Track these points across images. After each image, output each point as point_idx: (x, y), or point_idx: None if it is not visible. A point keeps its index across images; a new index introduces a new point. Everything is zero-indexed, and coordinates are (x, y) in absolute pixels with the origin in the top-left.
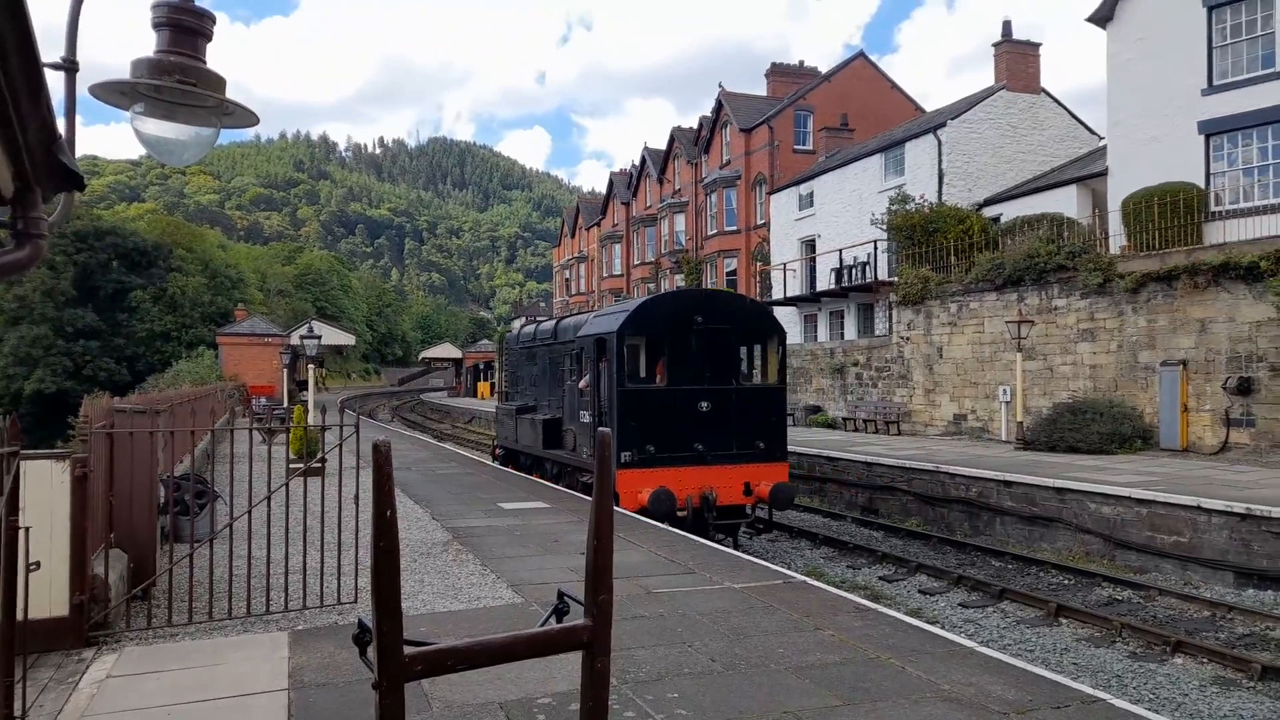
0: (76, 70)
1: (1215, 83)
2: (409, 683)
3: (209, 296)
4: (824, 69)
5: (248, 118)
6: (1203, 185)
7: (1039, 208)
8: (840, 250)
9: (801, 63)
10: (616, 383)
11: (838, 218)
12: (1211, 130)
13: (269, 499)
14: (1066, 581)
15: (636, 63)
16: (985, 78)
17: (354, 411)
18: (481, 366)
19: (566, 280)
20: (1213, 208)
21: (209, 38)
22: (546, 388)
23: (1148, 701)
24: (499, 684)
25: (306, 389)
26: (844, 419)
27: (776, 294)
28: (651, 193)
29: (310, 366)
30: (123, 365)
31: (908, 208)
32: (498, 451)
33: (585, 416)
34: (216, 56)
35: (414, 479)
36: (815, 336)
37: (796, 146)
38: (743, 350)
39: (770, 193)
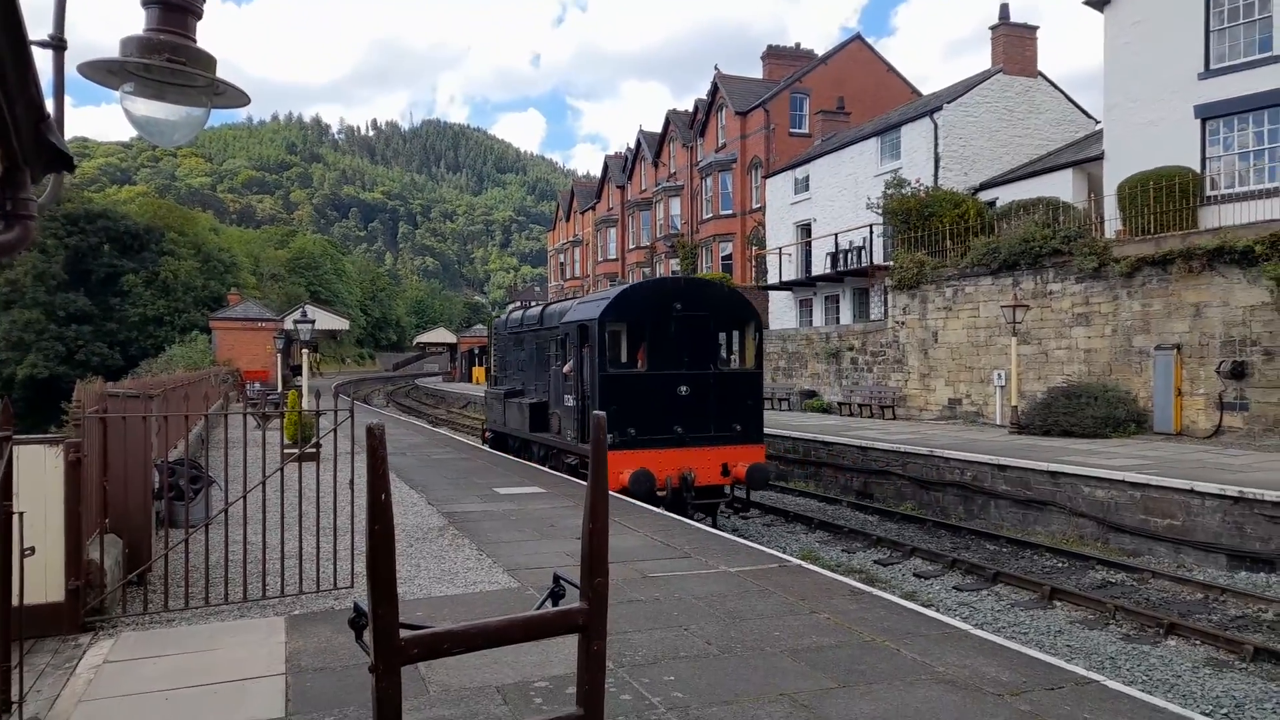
0: (64, 48)
1: (1212, 66)
2: (406, 666)
3: (202, 280)
4: (820, 52)
5: (239, 98)
6: (1198, 169)
7: (1035, 192)
8: (836, 234)
9: (798, 45)
10: (599, 367)
11: (833, 201)
12: (1208, 114)
13: (264, 484)
14: (1060, 565)
15: (632, 44)
16: (982, 61)
17: (348, 396)
18: (476, 351)
19: (561, 264)
20: (1208, 192)
21: (199, 16)
22: (533, 372)
23: (1141, 683)
24: (496, 667)
25: (300, 374)
26: (839, 404)
27: (772, 278)
28: (646, 176)
29: (304, 351)
30: (115, 350)
31: (903, 192)
32: (487, 434)
33: (569, 400)
34: (207, 35)
35: (409, 464)
36: (810, 321)
37: (792, 130)
38: (721, 336)
39: (766, 176)
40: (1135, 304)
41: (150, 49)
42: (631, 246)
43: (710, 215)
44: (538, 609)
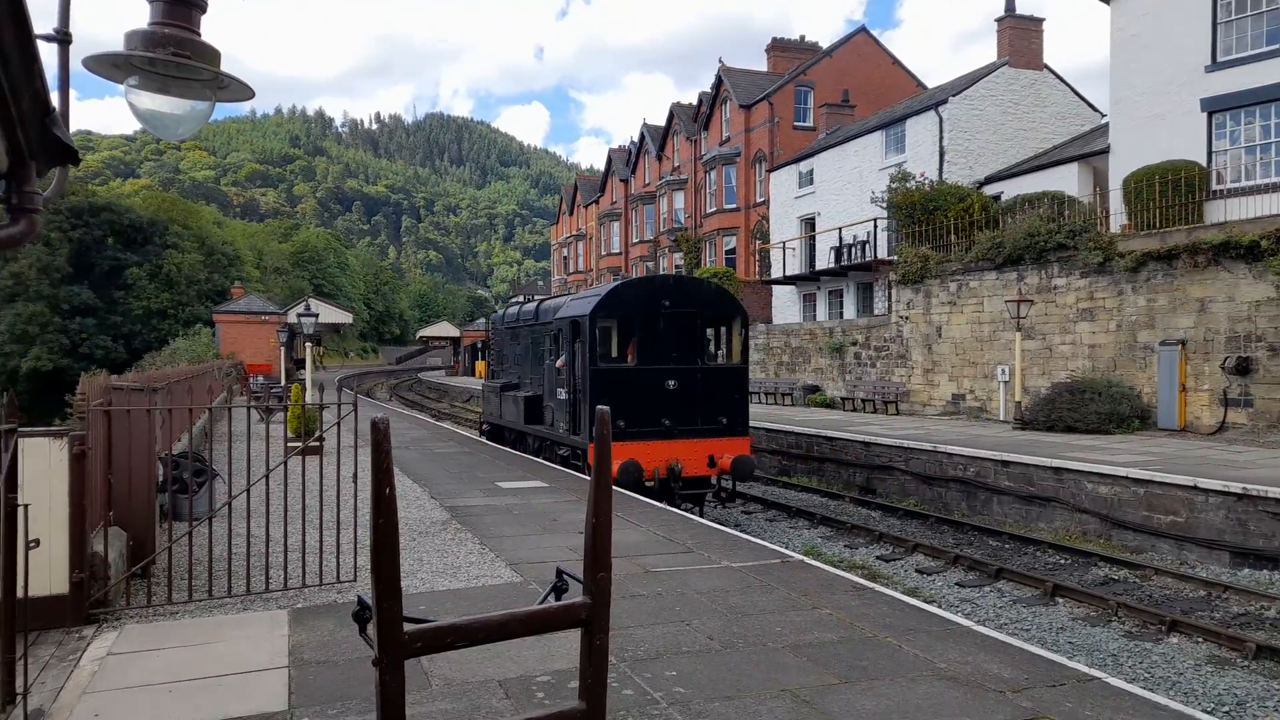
0: (69, 42)
1: (1219, 59)
2: (409, 660)
3: (205, 274)
4: (825, 44)
5: (243, 91)
6: (1205, 163)
7: (1040, 186)
8: (840, 229)
9: (803, 38)
10: (589, 362)
11: (838, 196)
12: (1214, 108)
13: (267, 477)
14: (1063, 561)
15: (636, 37)
16: (988, 53)
17: (352, 390)
18: (479, 345)
19: (565, 258)
20: (1214, 186)
21: (203, 9)
22: (529, 366)
23: (1143, 680)
24: (498, 662)
25: (304, 367)
26: (842, 399)
27: (775, 272)
28: (650, 170)
29: (308, 345)
30: (119, 343)
31: (908, 186)
32: (484, 426)
33: (562, 394)
34: (211, 29)
35: (412, 458)
36: (814, 315)
37: (797, 123)
38: (708, 332)
39: (770, 170)
40: (1140, 299)
41: (155, 43)
42: (635, 240)
43: (714, 209)
44: (540, 603)
